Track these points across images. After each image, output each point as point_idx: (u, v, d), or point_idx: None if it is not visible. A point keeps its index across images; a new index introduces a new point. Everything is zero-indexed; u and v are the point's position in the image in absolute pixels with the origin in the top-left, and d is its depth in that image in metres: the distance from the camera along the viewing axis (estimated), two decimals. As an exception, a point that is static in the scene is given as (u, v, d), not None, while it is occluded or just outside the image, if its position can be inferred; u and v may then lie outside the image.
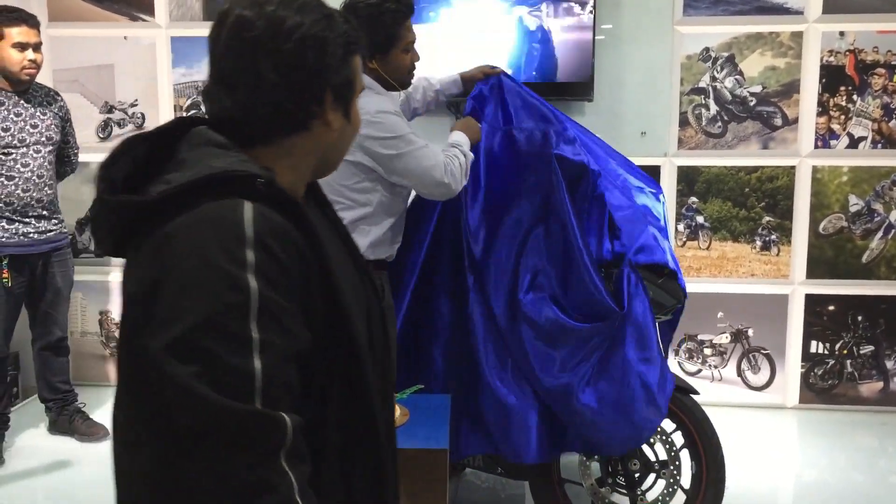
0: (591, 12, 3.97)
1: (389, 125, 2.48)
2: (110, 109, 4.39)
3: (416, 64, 2.66)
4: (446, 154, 2.57)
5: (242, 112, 1.18)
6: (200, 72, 4.33)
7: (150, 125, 4.35)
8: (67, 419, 3.84)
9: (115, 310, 4.49)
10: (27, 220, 3.54)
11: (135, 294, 1.09)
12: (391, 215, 2.61)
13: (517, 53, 4.05)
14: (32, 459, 3.64)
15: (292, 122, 1.20)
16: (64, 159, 3.80)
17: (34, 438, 3.85)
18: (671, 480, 2.76)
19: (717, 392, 4.18)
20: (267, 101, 1.17)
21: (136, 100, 4.37)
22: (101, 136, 4.39)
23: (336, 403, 1.17)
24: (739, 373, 4.27)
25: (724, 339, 4.26)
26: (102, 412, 4.11)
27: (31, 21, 3.51)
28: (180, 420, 1.01)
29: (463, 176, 2.57)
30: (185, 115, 4.33)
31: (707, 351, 4.27)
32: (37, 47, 3.52)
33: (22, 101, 3.55)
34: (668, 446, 2.76)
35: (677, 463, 2.76)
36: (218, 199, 1.09)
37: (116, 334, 4.44)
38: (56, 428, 3.86)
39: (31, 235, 3.55)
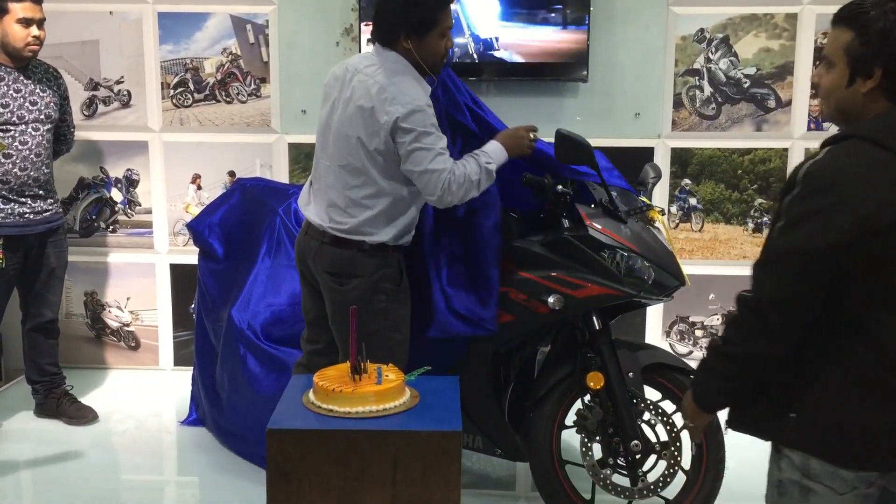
0: (586, -8, 3.94)
1: (422, 120, 2.51)
2: (95, 86, 4.29)
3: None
4: (463, 163, 2.58)
5: None
6: (188, 48, 4.25)
7: (136, 103, 4.28)
8: (55, 402, 3.77)
9: (101, 291, 4.41)
10: (23, 199, 3.46)
11: None
12: (416, 204, 2.67)
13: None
14: (19, 443, 3.59)
15: None
16: (60, 138, 3.72)
17: (21, 422, 3.79)
18: (672, 461, 2.76)
19: (708, 373, 4.20)
20: None
21: (122, 77, 4.28)
22: (86, 113, 4.29)
23: None
24: (730, 354, 4.28)
25: (716, 320, 4.27)
26: (90, 395, 4.05)
27: None
28: None
29: (464, 191, 2.57)
30: (171, 92, 4.25)
31: (698, 333, 4.29)
32: (40, 23, 3.44)
33: (22, 78, 3.47)
34: (668, 427, 2.76)
35: (678, 444, 2.76)
36: None
37: (103, 316, 4.39)
38: (43, 411, 3.80)
39: (28, 216, 3.48)
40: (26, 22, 3.38)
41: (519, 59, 4.02)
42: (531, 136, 2.75)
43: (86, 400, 3.90)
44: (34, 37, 3.40)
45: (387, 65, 2.59)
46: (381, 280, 2.66)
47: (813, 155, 1.68)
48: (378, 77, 2.56)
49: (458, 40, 4.00)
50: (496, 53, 4.03)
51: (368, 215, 2.61)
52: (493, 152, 2.65)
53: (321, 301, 2.78)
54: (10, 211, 3.43)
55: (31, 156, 3.46)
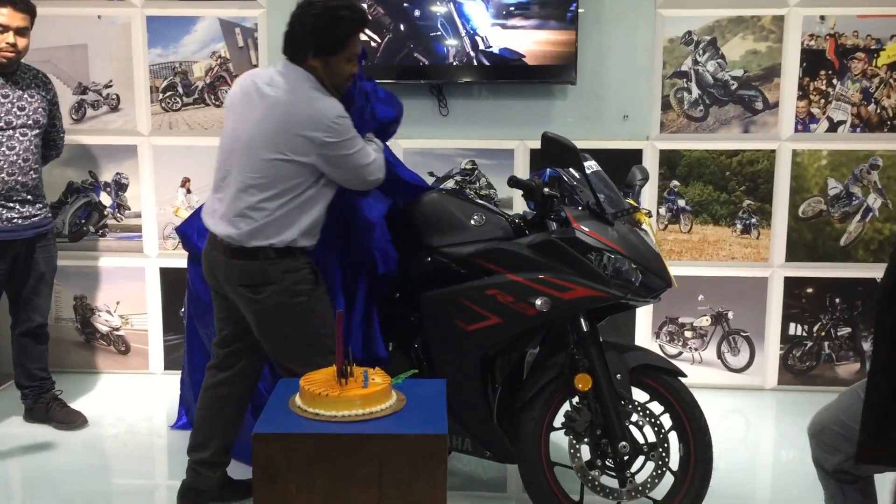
0: (574, -6, 3.95)
1: (345, 128, 2.62)
2: (84, 90, 4.29)
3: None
4: (374, 148, 2.76)
5: None
6: (176, 52, 4.25)
7: (125, 107, 4.28)
8: (44, 407, 3.76)
9: (91, 295, 4.41)
10: (11, 204, 3.46)
11: None
12: (321, 205, 2.72)
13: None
14: (9, 447, 3.58)
15: None
16: (50, 143, 3.72)
17: (10, 427, 3.78)
18: (660, 462, 2.77)
19: (698, 374, 4.22)
20: None
21: (111, 81, 4.27)
22: (75, 117, 4.29)
23: None
24: (719, 355, 4.30)
25: (705, 321, 4.29)
26: (80, 399, 4.04)
27: (19, 5, 3.42)
28: None
29: (383, 168, 2.77)
30: (160, 96, 4.25)
31: (687, 333, 4.30)
32: (20, 31, 3.42)
33: (9, 84, 3.46)
34: (656, 429, 2.77)
35: (666, 445, 2.77)
36: None
37: (93, 320, 4.39)
38: (33, 416, 3.79)
39: (15, 220, 3.47)
40: (2, 28, 3.37)
41: (508, 61, 4.04)
42: None
43: (75, 404, 3.89)
44: (8, 44, 3.39)
45: (298, 82, 2.63)
46: (297, 283, 2.70)
47: None
48: (294, 95, 2.61)
49: (451, 42, 4.02)
50: (485, 56, 4.04)
51: (273, 217, 2.64)
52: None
53: (236, 313, 2.82)
54: None
55: (19, 161, 3.45)
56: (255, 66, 4.23)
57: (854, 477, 2.29)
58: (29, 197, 3.52)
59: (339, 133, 2.59)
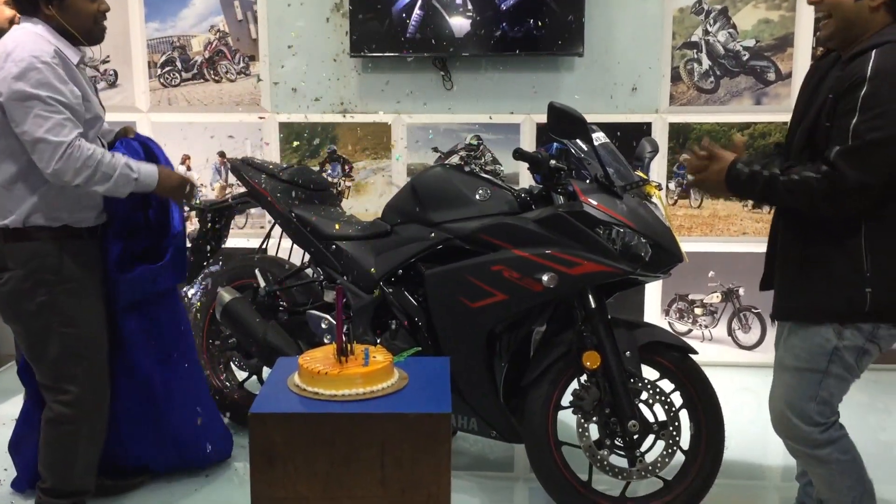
0: (581, -37, 3.85)
1: (38, 79, 2.25)
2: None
3: (108, 15, 2.47)
4: (99, 151, 2.38)
5: None
6: (174, 26, 4.16)
7: (122, 83, 4.21)
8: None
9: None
10: None
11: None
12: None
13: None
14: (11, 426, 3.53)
15: None
16: None
17: (16, 405, 3.74)
18: (670, 441, 2.71)
19: (708, 352, 4.14)
20: None
21: (108, 56, 4.20)
22: (72, 94, 4.22)
23: None
24: (730, 332, 4.23)
25: (715, 298, 4.21)
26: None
27: None
28: None
29: (87, 175, 2.35)
30: (159, 71, 4.17)
31: (697, 310, 4.23)
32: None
33: None
34: (667, 407, 2.71)
35: (676, 424, 2.71)
36: None
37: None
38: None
39: None
40: None
41: (513, 33, 3.93)
42: (189, 187, 2.66)
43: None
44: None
45: (17, 31, 2.35)
46: (37, 271, 2.43)
47: (852, 57, 2.00)
48: (4, 44, 2.32)
49: (455, 16, 3.91)
50: (491, 28, 3.94)
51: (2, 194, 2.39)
52: (145, 171, 2.50)
53: None
54: None
55: None
56: (255, 39, 4.15)
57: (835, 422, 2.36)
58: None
59: (31, 78, 2.22)
